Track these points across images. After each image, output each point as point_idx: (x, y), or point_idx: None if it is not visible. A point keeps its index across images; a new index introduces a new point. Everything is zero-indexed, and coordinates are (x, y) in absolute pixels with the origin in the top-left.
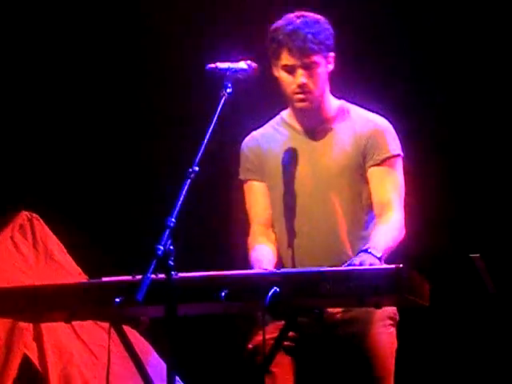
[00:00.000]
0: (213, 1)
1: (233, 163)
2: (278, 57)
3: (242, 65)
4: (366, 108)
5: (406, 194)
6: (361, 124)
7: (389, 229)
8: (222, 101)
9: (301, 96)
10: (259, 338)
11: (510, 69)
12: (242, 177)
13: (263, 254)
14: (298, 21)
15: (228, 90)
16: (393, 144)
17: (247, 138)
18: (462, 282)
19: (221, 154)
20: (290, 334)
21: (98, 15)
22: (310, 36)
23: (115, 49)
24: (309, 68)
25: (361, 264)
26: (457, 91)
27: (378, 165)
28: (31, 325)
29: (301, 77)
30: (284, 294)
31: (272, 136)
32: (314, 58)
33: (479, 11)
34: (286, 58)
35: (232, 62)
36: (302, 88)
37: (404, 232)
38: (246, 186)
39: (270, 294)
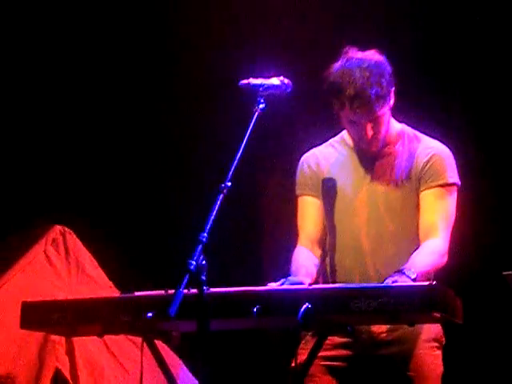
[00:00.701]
0: (248, 16)
1: (268, 178)
2: (341, 110)
3: (275, 81)
4: (427, 134)
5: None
6: (421, 149)
7: (429, 252)
8: (255, 116)
9: (366, 145)
10: (303, 357)
11: None
12: (298, 192)
13: (307, 260)
14: (358, 76)
15: (261, 106)
16: (450, 172)
17: (307, 155)
18: (495, 300)
19: (255, 169)
20: (342, 353)
21: (126, 26)
22: (373, 97)
23: (148, 66)
24: (374, 121)
25: (393, 282)
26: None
27: (430, 188)
28: (63, 338)
29: (368, 131)
30: (316, 310)
31: (332, 155)
32: (379, 113)
33: None
34: (351, 116)
35: (265, 77)
36: (369, 137)
37: (446, 259)
38: (300, 200)
39: (302, 309)
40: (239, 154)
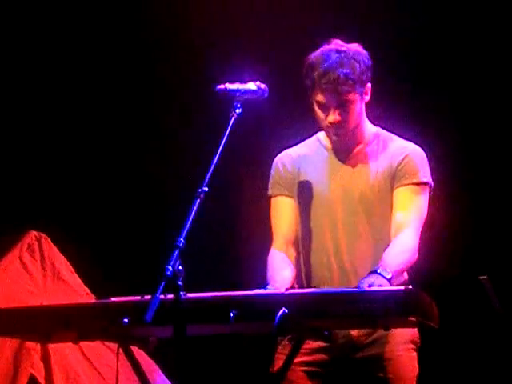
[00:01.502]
0: (225, 21)
1: (244, 183)
2: (312, 92)
3: (252, 86)
4: (402, 137)
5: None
6: (395, 150)
7: (401, 250)
8: (232, 121)
9: (333, 131)
10: (280, 361)
11: None
12: (271, 192)
13: (283, 265)
14: (333, 57)
15: (237, 111)
16: (423, 171)
17: (281, 155)
18: (471, 303)
19: (231, 174)
20: (320, 357)
21: (103, 34)
22: (342, 77)
23: (126, 72)
24: (343, 106)
25: (370, 286)
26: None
27: (403, 186)
28: (39, 345)
29: (333, 115)
30: (293, 315)
31: (306, 156)
32: (347, 97)
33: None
34: (319, 97)
35: (242, 82)
36: (335, 125)
37: (416, 256)
38: (273, 201)
39: (278, 314)
40: (216, 159)
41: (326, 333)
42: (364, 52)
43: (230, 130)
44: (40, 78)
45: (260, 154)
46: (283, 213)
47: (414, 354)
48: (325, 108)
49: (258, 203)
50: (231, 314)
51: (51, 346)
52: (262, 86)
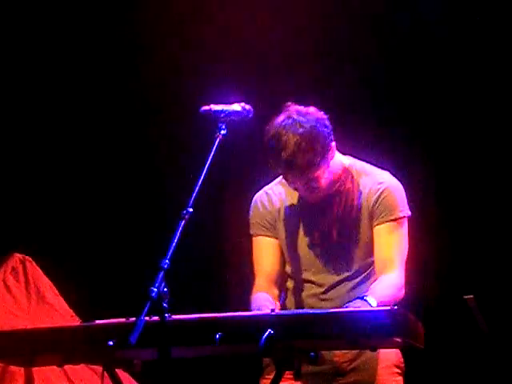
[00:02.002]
0: (210, 42)
1: (227, 206)
2: (276, 169)
3: (236, 107)
4: (374, 164)
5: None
6: (370, 184)
7: (387, 285)
8: (217, 142)
9: (305, 197)
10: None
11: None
12: (252, 232)
13: (265, 300)
14: (292, 141)
15: (222, 132)
16: (401, 206)
17: (259, 193)
18: (456, 323)
19: (217, 196)
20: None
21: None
22: (305, 165)
23: (110, 96)
24: (310, 182)
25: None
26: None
27: (383, 223)
28: (22, 369)
29: (302, 191)
30: (278, 336)
31: (283, 194)
32: (313, 176)
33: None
34: (285, 177)
35: (226, 104)
36: (305, 195)
37: (403, 292)
38: (255, 240)
39: (264, 336)
40: (201, 180)
41: (312, 354)
42: (321, 119)
43: (215, 151)
44: (27, 97)
45: (248, 174)
46: (264, 253)
47: (399, 378)
48: (291, 185)
49: (244, 225)
50: (217, 336)
51: (35, 370)
52: (247, 106)
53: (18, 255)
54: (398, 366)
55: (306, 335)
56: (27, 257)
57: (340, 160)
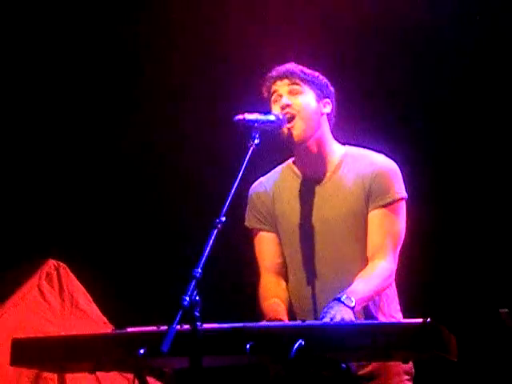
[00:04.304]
0: (245, 51)
1: None
2: (269, 91)
3: (271, 117)
4: (372, 149)
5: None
6: (365, 166)
7: (373, 276)
8: (250, 152)
9: (288, 124)
10: None
11: None
12: (248, 224)
13: (278, 305)
14: (290, 65)
15: (256, 141)
16: (397, 187)
17: (255, 184)
18: (490, 337)
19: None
20: None
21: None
22: (294, 67)
23: (141, 106)
24: (293, 93)
25: (331, 319)
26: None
27: (378, 208)
28: (56, 375)
29: (285, 100)
30: (309, 347)
31: (279, 182)
32: (297, 82)
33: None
34: (274, 87)
35: (260, 113)
36: (287, 109)
37: (391, 280)
38: (254, 235)
39: (295, 346)
40: (234, 190)
41: (344, 366)
42: (323, 76)
43: (248, 160)
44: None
45: None
46: (265, 248)
47: None
48: (278, 98)
49: None
50: (247, 346)
51: (68, 376)
52: (281, 116)
53: (52, 261)
54: (407, 373)
55: (338, 346)
56: (61, 263)
57: (336, 145)
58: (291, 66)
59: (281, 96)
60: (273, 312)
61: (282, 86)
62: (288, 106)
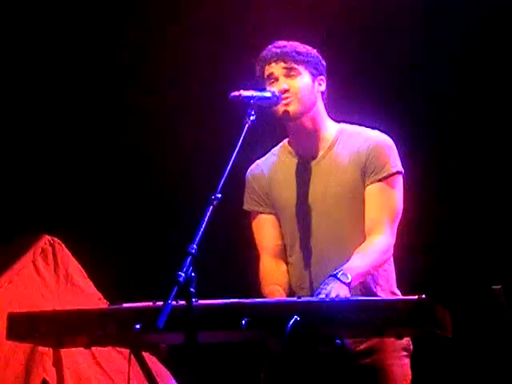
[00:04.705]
0: (242, 29)
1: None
2: (263, 72)
3: (267, 93)
4: (367, 126)
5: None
6: (359, 142)
7: (370, 252)
8: (246, 128)
9: (285, 101)
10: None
11: None
12: (246, 206)
13: (277, 291)
14: (284, 42)
15: (251, 118)
16: (392, 161)
17: (252, 167)
18: (484, 313)
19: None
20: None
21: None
22: (289, 46)
23: (136, 86)
24: (289, 76)
25: (327, 296)
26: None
27: (374, 183)
28: (51, 350)
29: (282, 84)
30: (305, 323)
31: (275, 163)
32: (293, 65)
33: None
34: (269, 69)
35: (256, 90)
36: (285, 93)
37: (389, 255)
38: (252, 217)
39: (290, 322)
40: (229, 167)
41: (339, 341)
42: (316, 51)
43: (244, 137)
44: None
45: None
46: (266, 230)
47: (407, 361)
48: (274, 80)
49: None
50: (243, 322)
51: (63, 351)
52: (277, 92)
53: (47, 237)
54: (405, 349)
55: (333, 323)
56: (56, 239)
57: (330, 122)
58: (285, 45)
59: (277, 79)
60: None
61: (277, 69)
62: (286, 90)
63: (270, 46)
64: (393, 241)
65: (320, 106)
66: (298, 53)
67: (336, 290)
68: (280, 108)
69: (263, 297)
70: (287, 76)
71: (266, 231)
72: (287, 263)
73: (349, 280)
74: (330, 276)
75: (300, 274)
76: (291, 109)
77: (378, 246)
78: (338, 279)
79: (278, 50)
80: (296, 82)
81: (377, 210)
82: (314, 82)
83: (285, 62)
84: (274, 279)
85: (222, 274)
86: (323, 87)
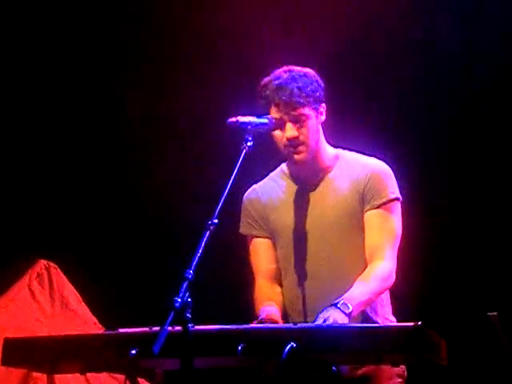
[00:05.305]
0: (237, 55)
1: None
2: (268, 112)
3: (263, 119)
4: (364, 154)
5: (408, 243)
6: (358, 169)
7: (371, 279)
8: (243, 154)
9: (293, 149)
10: None
11: None
12: (242, 230)
13: (271, 306)
14: (285, 75)
15: (249, 144)
16: (391, 187)
17: (248, 191)
18: (479, 340)
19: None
20: None
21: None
22: (296, 90)
23: (132, 109)
24: (298, 121)
25: (324, 321)
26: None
27: (373, 209)
28: (45, 375)
29: (290, 130)
30: (301, 350)
31: (272, 188)
32: (301, 111)
33: None
34: (274, 113)
35: (253, 116)
36: (293, 141)
37: (392, 281)
38: (248, 241)
39: (286, 349)
40: (226, 191)
41: (334, 369)
42: (315, 74)
43: (241, 163)
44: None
45: None
46: (261, 254)
47: None
48: (281, 125)
49: None
50: (239, 347)
51: (57, 377)
52: (274, 119)
53: (43, 261)
54: (399, 375)
55: (329, 349)
56: (52, 263)
57: (328, 147)
58: (291, 88)
59: (284, 124)
60: (265, 312)
61: (284, 114)
62: (295, 138)
63: (274, 82)
64: (394, 266)
65: (321, 136)
66: (305, 95)
67: (333, 316)
68: (289, 155)
69: (255, 314)
70: (295, 122)
71: (261, 254)
72: (281, 286)
73: (350, 310)
74: (331, 305)
75: (293, 295)
76: (301, 157)
77: (379, 272)
78: (339, 309)
79: (286, 97)
80: (305, 130)
81: (377, 236)
82: (317, 117)
83: (293, 110)
84: (268, 297)
85: (218, 299)
86: (324, 116)
